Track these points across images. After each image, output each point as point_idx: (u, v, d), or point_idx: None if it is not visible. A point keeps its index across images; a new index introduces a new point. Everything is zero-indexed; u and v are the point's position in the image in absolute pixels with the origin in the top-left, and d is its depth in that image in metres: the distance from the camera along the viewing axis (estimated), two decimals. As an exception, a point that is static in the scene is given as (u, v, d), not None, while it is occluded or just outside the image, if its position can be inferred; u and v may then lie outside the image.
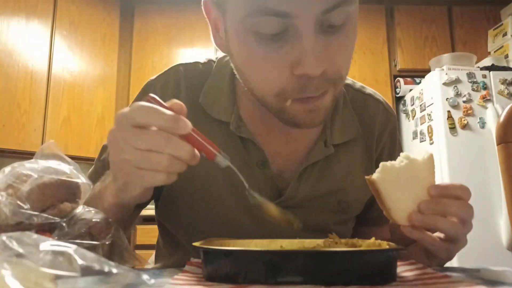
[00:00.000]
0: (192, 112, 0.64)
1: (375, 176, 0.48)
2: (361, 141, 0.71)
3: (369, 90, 0.77)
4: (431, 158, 0.49)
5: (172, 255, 0.75)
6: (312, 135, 0.68)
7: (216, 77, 0.68)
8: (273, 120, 0.63)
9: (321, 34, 0.50)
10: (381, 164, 0.48)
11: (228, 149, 0.63)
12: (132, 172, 0.45)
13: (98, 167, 0.70)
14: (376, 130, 0.73)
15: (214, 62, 0.71)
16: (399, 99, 3.06)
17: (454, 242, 0.51)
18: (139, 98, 0.69)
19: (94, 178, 0.67)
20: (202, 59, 0.73)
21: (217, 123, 0.65)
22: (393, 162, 0.48)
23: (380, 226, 0.77)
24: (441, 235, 0.51)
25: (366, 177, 0.49)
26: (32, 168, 0.48)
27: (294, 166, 0.66)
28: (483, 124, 2.39)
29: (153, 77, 0.71)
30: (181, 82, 0.68)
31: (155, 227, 0.80)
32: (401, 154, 0.49)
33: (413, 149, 2.85)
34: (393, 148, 0.76)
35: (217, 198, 0.66)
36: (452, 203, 0.49)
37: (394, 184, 0.48)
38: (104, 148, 0.70)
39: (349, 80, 0.76)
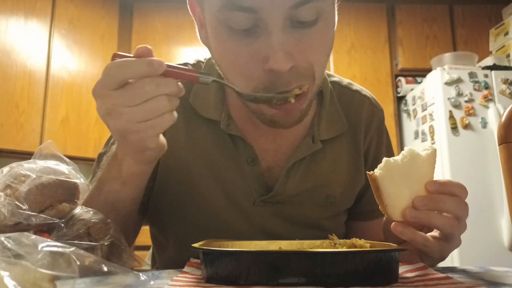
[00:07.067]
0: (183, 112, 0.65)
1: (377, 172, 0.47)
2: (347, 136, 0.71)
3: (357, 86, 0.77)
4: (434, 153, 0.48)
5: (160, 258, 0.76)
6: (300, 132, 0.68)
7: None
8: None
9: (291, 30, 0.50)
10: (384, 159, 0.47)
11: (219, 147, 0.66)
12: (141, 128, 0.45)
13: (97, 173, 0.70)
14: (363, 124, 0.73)
15: (203, 62, 0.72)
16: (400, 99, 3.05)
17: (449, 241, 0.49)
18: None
19: None
20: (191, 61, 0.73)
21: (207, 122, 0.66)
22: (396, 158, 0.47)
23: (372, 220, 0.76)
24: (435, 233, 0.50)
25: (368, 172, 0.48)
26: (30, 168, 0.47)
27: (283, 162, 0.67)
28: (484, 124, 2.38)
29: None
30: None
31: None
32: (405, 149, 0.48)
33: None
34: (380, 142, 0.75)
35: (206, 196, 0.66)
36: (447, 199, 0.47)
37: (394, 181, 0.46)
38: (101, 156, 0.69)
39: (336, 77, 0.76)
